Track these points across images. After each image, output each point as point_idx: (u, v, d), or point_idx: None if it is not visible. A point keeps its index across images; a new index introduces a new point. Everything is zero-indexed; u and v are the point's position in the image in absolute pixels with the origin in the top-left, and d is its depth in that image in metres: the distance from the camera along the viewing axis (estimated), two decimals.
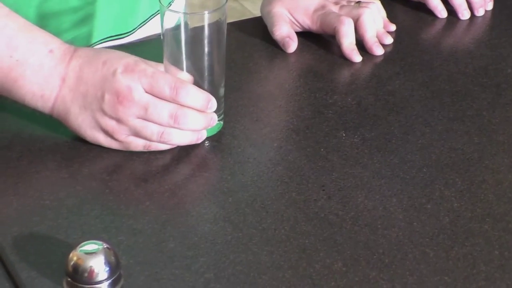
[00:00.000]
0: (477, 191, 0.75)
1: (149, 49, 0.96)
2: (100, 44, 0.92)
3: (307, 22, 0.96)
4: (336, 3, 0.97)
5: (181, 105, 0.76)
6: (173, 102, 0.75)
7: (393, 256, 0.68)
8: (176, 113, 0.75)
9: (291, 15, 0.95)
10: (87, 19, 0.90)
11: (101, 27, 0.91)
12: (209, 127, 0.79)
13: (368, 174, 0.77)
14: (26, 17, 0.87)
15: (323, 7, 0.96)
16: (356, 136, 0.82)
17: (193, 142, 0.78)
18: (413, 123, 0.84)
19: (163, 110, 0.75)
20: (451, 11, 1.03)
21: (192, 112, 0.76)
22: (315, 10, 0.96)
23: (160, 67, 0.79)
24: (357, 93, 0.89)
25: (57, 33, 0.88)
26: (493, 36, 1.00)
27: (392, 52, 0.96)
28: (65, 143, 0.80)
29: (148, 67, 0.76)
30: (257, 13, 1.03)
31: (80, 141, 0.79)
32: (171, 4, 0.86)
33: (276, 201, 0.73)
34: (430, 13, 1.04)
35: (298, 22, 0.96)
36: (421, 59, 0.95)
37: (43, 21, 0.88)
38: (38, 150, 0.78)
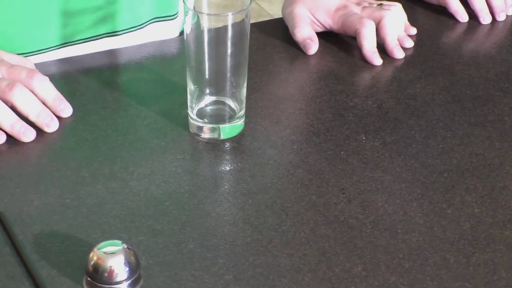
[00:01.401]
0: (498, 196, 0.75)
1: (168, 49, 0.97)
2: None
3: (329, 21, 0.95)
4: (358, 4, 0.97)
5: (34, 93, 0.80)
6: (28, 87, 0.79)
7: (413, 261, 0.68)
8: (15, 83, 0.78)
9: (313, 15, 0.95)
10: (109, 17, 0.91)
11: (124, 25, 0.92)
12: (45, 127, 0.80)
13: (389, 178, 0.77)
14: (47, 14, 0.88)
15: (345, 7, 0.95)
16: (376, 140, 0.82)
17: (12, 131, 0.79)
18: (434, 127, 0.84)
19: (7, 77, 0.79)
20: (472, 15, 1.03)
21: (33, 97, 0.79)
22: (337, 10, 0.95)
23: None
24: (377, 96, 0.89)
25: (77, 31, 0.89)
26: None
27: (413, 56, 0.96)
28: (85, 142, 0.80)
29: (13, 59, 0.81)
30: (274, 13, 1.03)
31: (101, 140, 0.80)
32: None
33: (296, 204, 0.73)
34: (451, 16, 1.03)
35: (320, 22, 0.96)
36: (442, 63, 0.95)
37: (65, 19, 0.89)
38: (59, 149, 0.79)
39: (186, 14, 0.77)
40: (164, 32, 0.98)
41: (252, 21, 0.99)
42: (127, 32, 0.94)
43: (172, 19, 0.97)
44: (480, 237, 0.70)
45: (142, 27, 0.95)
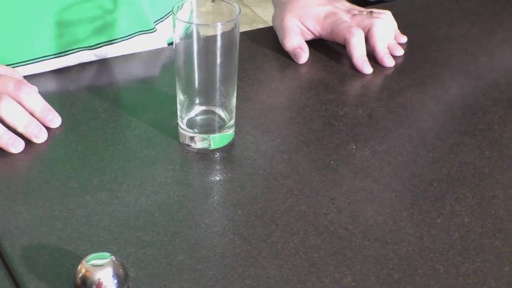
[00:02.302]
0: (487, 206, 0.75)
1: (158, 59, 0.97)
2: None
3: (318, 28, 0.95)
4: (348, 11, 0.97)
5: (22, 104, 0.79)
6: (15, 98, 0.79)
7: (403, 271, 0.68)
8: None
9: (302, 23, 0.95)
10: (107, 27, 0.90)
11: (122, 33, 0.92)
12: (33, 137, 0.79)
13: (378, 188, 0.77)
14: (43, 25, 0.87)
15: (334, 14, 0.95)
16: (366, 149, 0.82)
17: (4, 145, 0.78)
18: (424, 136, 0.84)
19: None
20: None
21: (21, 109, 0.79)
22: (326, 17, 0.95)
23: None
24: (368, 105, 0.89)
25: (76, 41, 0.89)
26: (504, 50, 1.00)
27: (404, 64, 0.96)
28: (75, 152, 0.80)
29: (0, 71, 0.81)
30: (267, 19, 1.03)
31: (90, 151, 0.80)
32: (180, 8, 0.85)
33: (286, 214, 0.73)
34: (441, 26, 1.03)
35: (309, 30, 0.96)
36: (433, 71, 0.95)
37: (61, 29, 0.89)
38: (48, 160, 0.79)
39: (175, 24, 0.77)
40: (150, 44, 0.97)
41: (247, 27, 0.99)
42: (116, 42, 0.94)
43: (152, 32, 0.96)
44: (470, 247, 0.70)
45: (129, 38, 0.94)
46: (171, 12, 0.96)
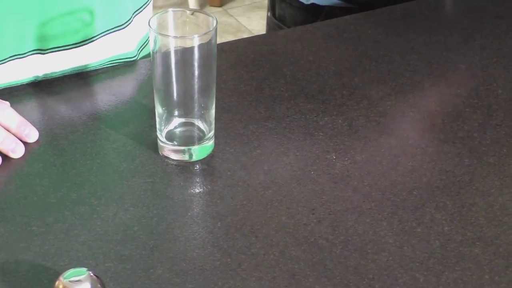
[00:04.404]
0: (467, 214, 0.75)
1: (136, 71, 0.96)
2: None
3: None
4: None
5: None
6: None
7: (383, 281, 0.67)
8: None
9: None
10: (88, 39, 0.90)
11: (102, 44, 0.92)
12: (10, 153, 0.79)
13: (359, 197, 0.77)
14: (24, 38, 0.87)
15: None
16: (346, 159, 0.82)
17: None
18: (404, 145, 0.84)
19: None
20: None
21: None
22: None
23: None
24: (348, 115, 0.89)
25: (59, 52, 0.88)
26: (484, 57, 1.00)
27: (384, 73, 0.96)
28: (53, 167, 0.79)
29: None
30: (252, 28, 1.03)
31: (69, 165, 0.79)
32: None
33: (266, 226, 0.73)
34: (421, 34, 1.03)
35: None
36: (412, 80, 0.95)
37: (43, 42, 0.88)
38: (25, 175, 0.78)
39: (152, 36, 0.76)
40: (117, 45, 0.95)
41: (231, 37, 0.99)
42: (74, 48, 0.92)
43: (123, 28, 0.95)
44: (450, 256, 0.70)
45: (94, 41, 0.93)
46: (147, 3, 0.95)
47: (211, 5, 2.94)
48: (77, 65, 0.93)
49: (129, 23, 0.95)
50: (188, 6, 2.86)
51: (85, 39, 0.91)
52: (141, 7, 0.97)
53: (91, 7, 0.89)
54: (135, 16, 0.96)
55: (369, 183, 0.78)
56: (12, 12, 0.85)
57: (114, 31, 0.93)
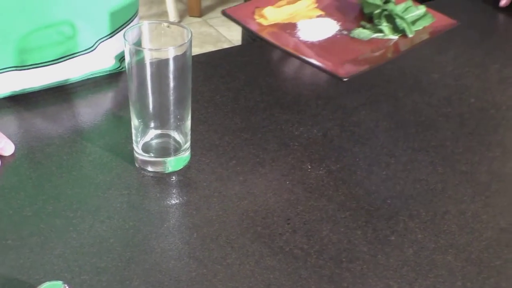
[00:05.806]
0: (440, 222, 0.76)
1: (112, 83, 0.97)
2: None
3: None
4: None
5: None
6: None
7: None
8: None
9: None
10: (69, 51, 0.90)
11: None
12: None
13: (333, 207, 0.77)
14: (5, 52, 0.87)
15: None
16: (321, 168, 0.83)
17: None
18: (378, 154, 0.85)
19: None
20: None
21: None
22: None
23: None
24: (322, 125, 0.89)
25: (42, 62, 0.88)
26: (456, 66, 1.01)
27: (358, 83, 0.97)
28: (29, 180, 0.79)
29: None
30: (232, 38, 1.04)
31: (45, 178, 0.79)
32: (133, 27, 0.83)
33: (241, 236, 0.74)
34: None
35: None
36: (386, 89, 0.96)
37: (24, 55, 0.88)
38: (0, 188, 0.78)
39: (127, 49, 0.77)
40: (96, 61, 0.96)
41: (211, 47, 1.00)
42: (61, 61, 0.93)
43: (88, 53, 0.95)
44: (423, 263, 0.71)
45: (74, 57, 0.93)
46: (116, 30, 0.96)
47: (191, 15, 2.95)
48: (56, 80, 0.93)
49: (94, 49, 0.94)
50: (168, 16, 2.87)
51: (64, 55, 0.91)
52: (128, 19, 0.98)
53: (73, 22, 0.89)
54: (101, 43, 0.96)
55: (343, 192, 0.79)
56: None
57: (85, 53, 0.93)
